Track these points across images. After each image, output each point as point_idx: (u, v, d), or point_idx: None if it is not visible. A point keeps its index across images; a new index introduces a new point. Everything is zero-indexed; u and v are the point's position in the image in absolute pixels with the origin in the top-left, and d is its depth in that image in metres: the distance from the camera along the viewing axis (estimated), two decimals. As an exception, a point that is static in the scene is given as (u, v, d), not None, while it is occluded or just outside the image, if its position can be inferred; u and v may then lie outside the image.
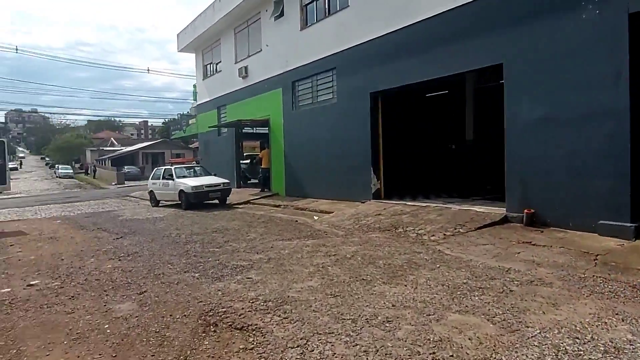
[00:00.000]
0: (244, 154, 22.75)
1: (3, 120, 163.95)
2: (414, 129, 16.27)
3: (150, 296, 5.40)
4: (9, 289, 6.06)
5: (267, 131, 18.96)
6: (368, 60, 12.77)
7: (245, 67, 20.12)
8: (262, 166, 18.50)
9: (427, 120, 16.31)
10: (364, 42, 12.92)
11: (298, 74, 16.27)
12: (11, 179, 43.82)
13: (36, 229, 12.83)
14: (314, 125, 15.39)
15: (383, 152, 12.99)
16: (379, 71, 12.39)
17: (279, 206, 15.01)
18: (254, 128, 23.04)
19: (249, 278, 5.96)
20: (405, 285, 5.25)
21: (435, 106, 16.00)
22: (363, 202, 12.55)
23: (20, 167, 78.03)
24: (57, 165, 62.07)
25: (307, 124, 15.83)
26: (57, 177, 53.76)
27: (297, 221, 11.43)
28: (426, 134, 16.28)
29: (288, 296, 5.06)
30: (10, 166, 64.32)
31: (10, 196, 32.16)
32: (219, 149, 23.06)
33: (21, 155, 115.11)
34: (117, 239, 9.93)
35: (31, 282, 6.32)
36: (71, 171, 55.42)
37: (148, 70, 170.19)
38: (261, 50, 18.77)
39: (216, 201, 16.28)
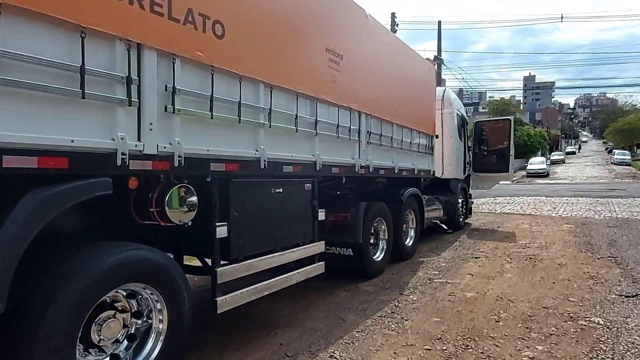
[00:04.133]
0: None
1: (572, 106, 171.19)
2: None
3: None
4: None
5: None
6: None
7: None
8: None
9: None
10: None
11: None
12: (564, 163, 43.22)
13: (533, 233, 9.70)
14: None
15: None
16: None
17: None
18: None
19: None
20: None
21: None
22: None
23: (579, 152, 77.37)
24: (613, 151, 55.92)
25: None
26: (611, 163, 48.10)
27: None
28: None
29: None
30: (567, 150, 64.25)
31: (552, 182, 30.92)
32: None
33: (584, 139, 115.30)
34: (625, 296, 5.07)
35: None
36: (628, 157, 47.82)
37: None
38: None
39: None
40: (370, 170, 5.76)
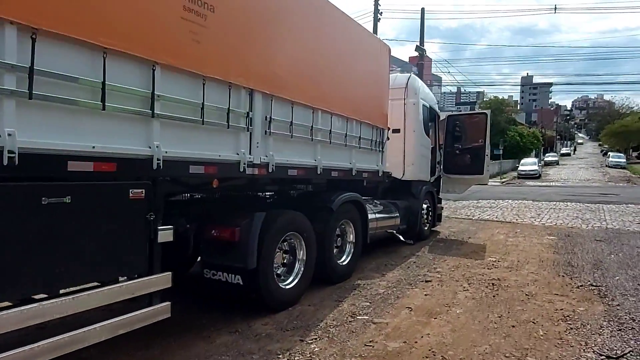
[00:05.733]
0: None
1: (569, 108, 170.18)
2: None
3: None
4: None
5: None
6: None
7: None
8: None
9: None
10: None
11: None
12: (557, 165, 42.17)
13: (507, 247, 8.26)
14: None
15: None
16: None
17: None
18: None
19: None
20: None
21: None
22: None
23: (574, 153, 76.22)
24: (608, 153, 54.58)
25: None
26: (606, 165, 46.80)
27: None
28: None
29: None
30: (562, 151, 63.06)
31: (543, 184, 29.58)
32: None
33: (579, 141, 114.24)
34: (607, 357, 3.62)
35: None
36: (623, 160, 46.46)
37: None
38: None
39: None
40: (271, 170, 4.27)
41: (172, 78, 3.20)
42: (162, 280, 3.21)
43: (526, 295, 5.28)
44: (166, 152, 3.15)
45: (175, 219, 3.59)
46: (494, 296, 5.24)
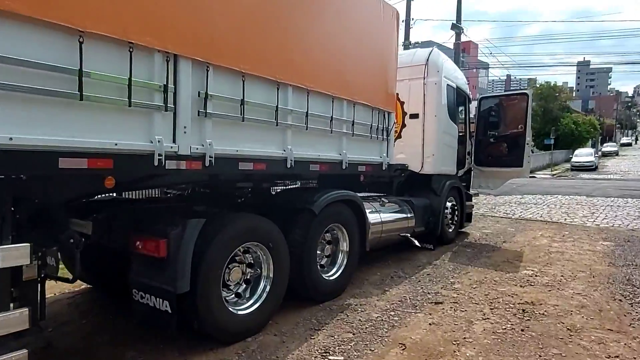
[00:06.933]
0: None
1: (631, 94, 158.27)
2: None
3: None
4: None
5: None
6: None
7: None
8: None
9: None
10: None
11: None
12: (617, 156, 38.79)
13: (550, 255, 6.81)
14: None
15: None
16: None
17: None
18: None
19: None
20: None
21: None
22: None
23: (635, 144, 70.32)
24: (677, 143, 49.50)
25: None
26: (673, 157, 42.41)
27: None
28: None
29: None
30: (622, 141, 58.51)
31: (600, 177, 26.81)
32: None
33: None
34: None
35: None
36: (695, 150, 41.93)
37: None
38: None
39: None
40: (208, 164, 3.22)
41: (24, 33, 2.22)
42: (9, 321, 2.25)
43: (567, 330, 3.96)
44: (11, 138, 2.18)
45: (50, 231, 2.64)
46: (522, 330, 3.96)
